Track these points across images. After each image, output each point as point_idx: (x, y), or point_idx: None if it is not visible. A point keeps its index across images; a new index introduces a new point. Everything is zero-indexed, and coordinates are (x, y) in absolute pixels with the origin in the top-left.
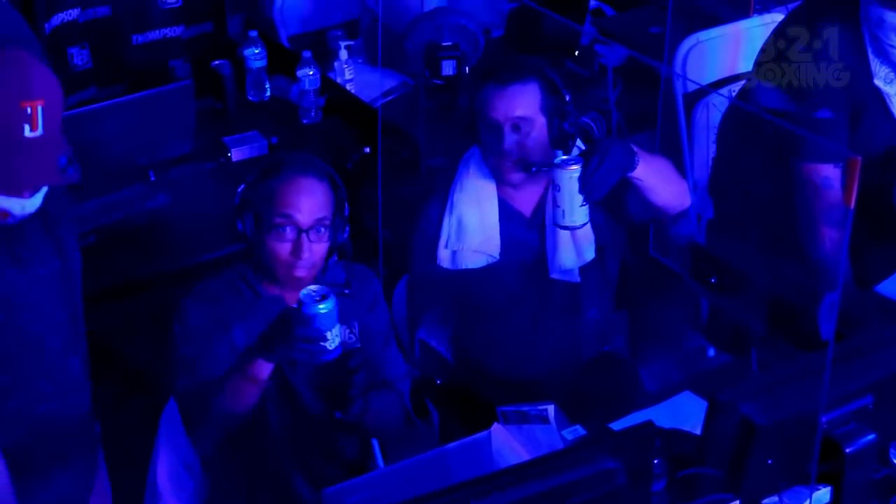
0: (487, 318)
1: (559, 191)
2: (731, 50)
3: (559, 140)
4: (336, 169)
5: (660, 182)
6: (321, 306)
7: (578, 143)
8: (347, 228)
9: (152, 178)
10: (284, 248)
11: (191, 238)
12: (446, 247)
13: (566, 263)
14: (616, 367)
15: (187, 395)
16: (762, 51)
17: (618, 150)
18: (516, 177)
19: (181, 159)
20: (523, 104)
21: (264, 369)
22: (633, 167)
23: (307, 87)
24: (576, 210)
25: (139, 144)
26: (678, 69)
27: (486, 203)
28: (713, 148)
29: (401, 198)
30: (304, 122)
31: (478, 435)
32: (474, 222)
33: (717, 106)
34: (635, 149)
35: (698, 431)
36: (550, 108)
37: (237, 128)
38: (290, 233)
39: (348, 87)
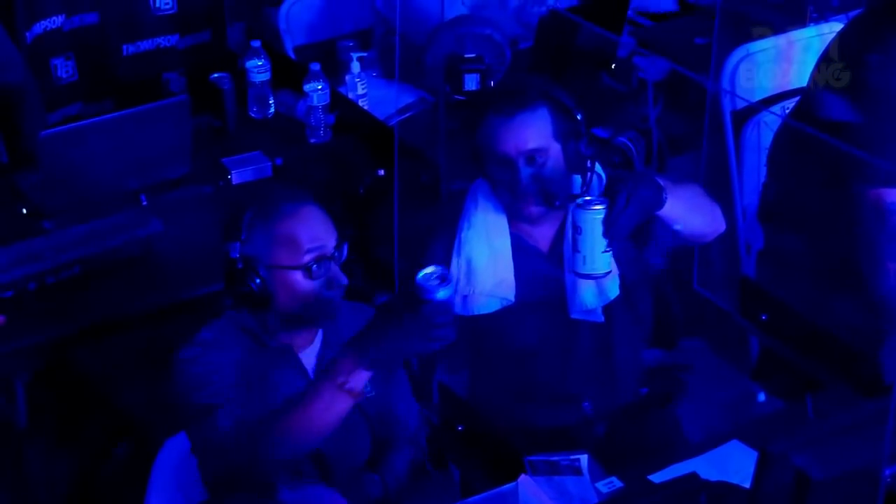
0: (508, 365)
1: (581, 234)
2: (784, 63)
3: (576, 164)
4: (348, 193)
5: (689, 214)
6: (449, 287)
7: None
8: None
9: (144, 203)
10: (320, 284)
11: (187, 270)
12: (456, 291)
13: (588, 302)
14: (655, 413)
15: (229, 438)
16: (822, 57)
17: (645, 187)
18: (536, 211)
19: (176, 182)
20: (535, 134)
21: (363, 379)
22: (660, 205)
23: (315, 102)
24: (598, 256)
25: (130, 166)
26: (726, 84)
27: (498, 241)
28: (764, 171)
29: (419, 226)
30: (312, 141)
31: (503, 487)
32: (486, 263)
33: (768, 125)
34: (661, 182)
35: (747, 485)
36: (563, 132)
37: (238, 148)
38: (322, 266)
39: (361, 103)
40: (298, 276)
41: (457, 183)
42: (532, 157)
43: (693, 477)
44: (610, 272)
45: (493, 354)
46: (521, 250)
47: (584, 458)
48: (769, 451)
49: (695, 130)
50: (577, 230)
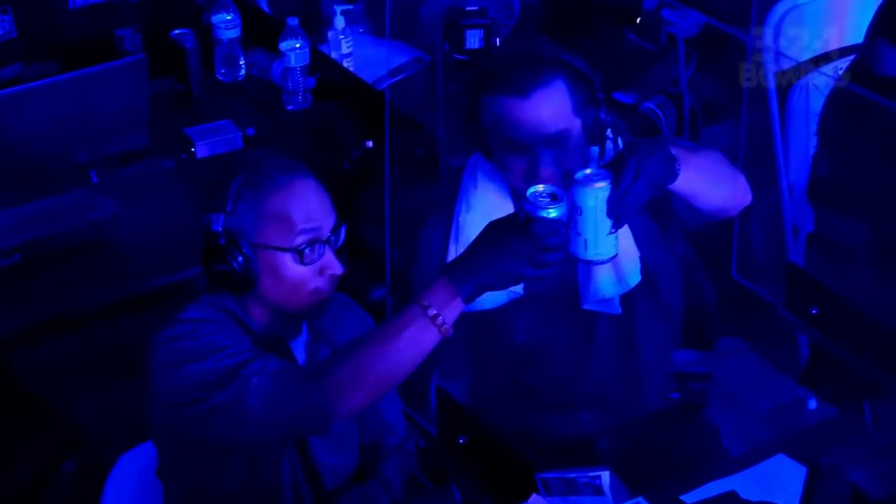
0: (515, 365)
1: (581, 214)
2: (837, 16)
3: (595, 135)
4: (331, 169)
5: (708, 185)
6: (562, 205)
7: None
8: None
9: (95, 181)
10: (311, 271)
11: (145, 257)
12: None
13: (603, 291)
14: (689, 422)
15: (270, 395)
16: (882, 6)
17: (655, 159)
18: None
19: (132, 156)
20: (555, 115)
21: (457, 311)
22: (673, 178)
23: (293, 63)
24: (601, 239)
25: (78, 137)
26: (769, 41)
27: None
28: (814, 141)
29: (415, 207)
30: (289, 108)
31: None
32: None
33: (819, 88)
34: (673, 151)
35: None
36: (583, 103)
37: (203, 116)
38: (315, 251)
39: (346, 63)
40: (288, 260)
41: (457, 157)
42: (553, 140)
43: (732, 496)
44: (616, 256)
45: (499, 354)
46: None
47: (605, 475)
48: (820, 465)
49: (733, 95)
50: (576, 210)
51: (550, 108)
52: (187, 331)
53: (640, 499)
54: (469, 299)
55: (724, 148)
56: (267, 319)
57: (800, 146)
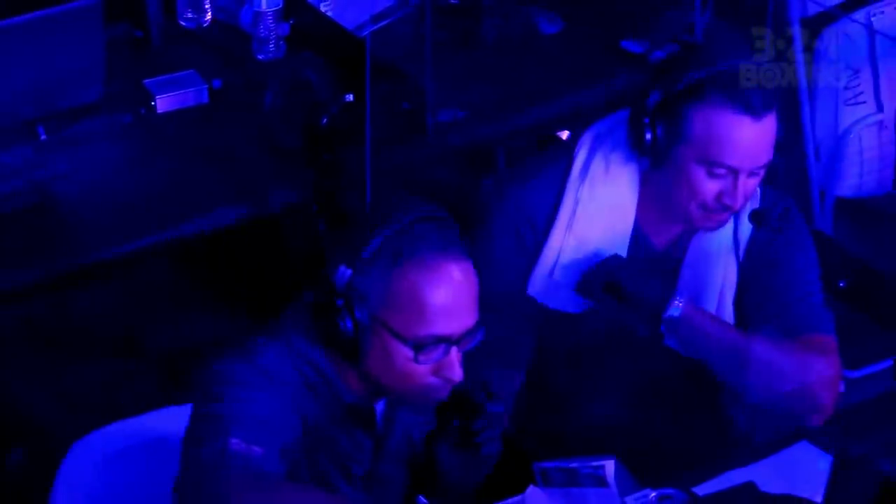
0: (553, 371)
1: None
2: None
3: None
4: (307, 125)
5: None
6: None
7: None
8: None
9: (43, 137)
10: (425, 371)
11: (96, 223)
12: (551, 275)
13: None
14: (703, 406)
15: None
16: None
17: None
18: (716, 224)
19: (84, 111)
20: (772, 143)
21: None
22: None
23: (264, 7)
24: None
25: (24, 89)
26: None
27: (617, 227)
28: (846, 95)
29: (399, 168)
30: (260, 57)
31: (506, 501)
32: (592, 254)
33: (850, 37)
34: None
35: (819, 498)
36: (779, 139)
37: (164, 66)
38: (438, 350)
39: (323, 7)
40: (402, 349)
41: (447, 112)
42: (759, 171)
43: (750, 488)
44: None
45: (544, 360)
46: (634, 244)
47: (609, 465)
48: (848, 454)
49: (753, 44)
50: None
51: (772, 134)
52: (243, 381)
53: (647, 491)
54: None
55: None
56: (362, 391)
57: (828, 102)
